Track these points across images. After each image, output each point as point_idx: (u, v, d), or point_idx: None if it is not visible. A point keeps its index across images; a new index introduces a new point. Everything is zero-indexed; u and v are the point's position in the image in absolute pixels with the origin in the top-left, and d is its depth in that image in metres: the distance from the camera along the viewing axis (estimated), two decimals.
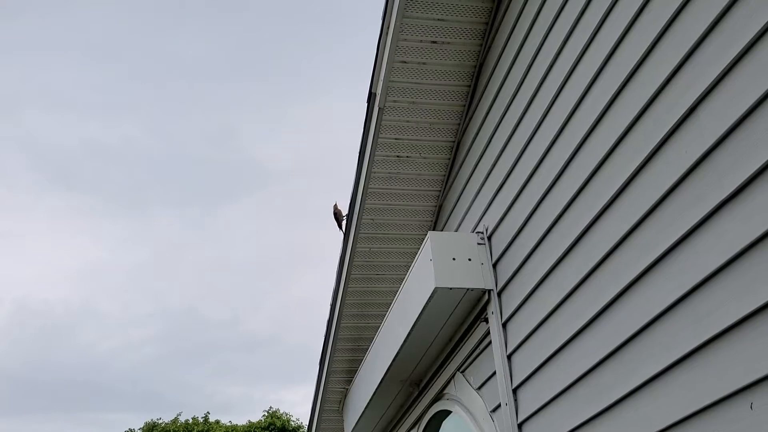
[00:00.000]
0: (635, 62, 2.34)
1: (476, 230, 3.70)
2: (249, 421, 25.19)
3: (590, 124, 2.61)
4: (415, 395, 4.62)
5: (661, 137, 2.19)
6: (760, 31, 1.81)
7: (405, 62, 3.76)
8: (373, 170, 4.27)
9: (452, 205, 4.24)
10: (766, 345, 1.76)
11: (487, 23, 3.67)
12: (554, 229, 2.89)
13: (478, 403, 3.60)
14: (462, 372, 3.86)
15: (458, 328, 3.84)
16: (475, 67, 3.84)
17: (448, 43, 3.72)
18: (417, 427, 4.60)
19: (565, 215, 2.80)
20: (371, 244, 4.77)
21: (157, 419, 25.31)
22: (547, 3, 3.03)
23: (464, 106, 4.01)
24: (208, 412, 25.69)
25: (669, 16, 2.17)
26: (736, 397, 1.85)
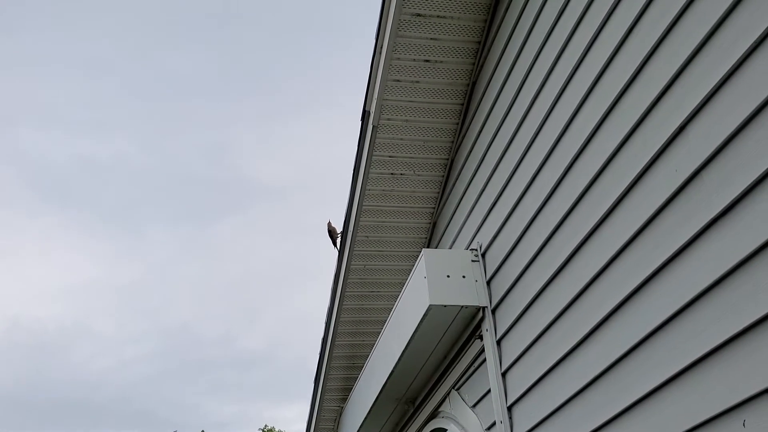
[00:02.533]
0: (625, 82, 2.36)
1: (470, 247, 3.71)
2: None
3: (581, 142, 2.63)
4: (410, 413, 4.60)
5: (651, 156, 2.21)
6: (747, 50, 1.83)
7: (398, 81, 3.80)
8: (367, 187, 4.29)
9: (446, 222, 4.25)
10: (757, 362, 1.77)
11: (479, 42, 3.70)
12: (547, 247, 2.90)
13: (473, 421, 3.59)
14: (457, 390, 3.85)
15: (453, 345, 3.84)
16: (468, 85, 3.87)
17: (441, 62, 3.75)
18: None
19: (558, 233, 2.81)
20: (366, 262, 4.78)
21: None
22: (538, 23, 3.07)
23: (457, 124, 4.03)
24: (203, 431, 25.50)
25: (657, 37, 2.20)
26: (729, 414, 1.85)
